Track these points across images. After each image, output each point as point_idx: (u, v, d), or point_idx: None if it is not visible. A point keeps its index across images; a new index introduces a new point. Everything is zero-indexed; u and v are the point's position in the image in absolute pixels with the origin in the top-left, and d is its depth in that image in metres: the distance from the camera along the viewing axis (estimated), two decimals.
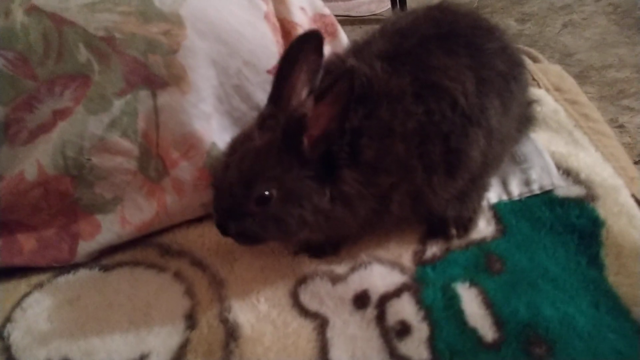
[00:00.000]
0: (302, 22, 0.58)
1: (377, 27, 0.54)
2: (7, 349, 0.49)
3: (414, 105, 0.44)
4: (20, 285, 0.56)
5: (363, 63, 0.45)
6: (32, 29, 0.51)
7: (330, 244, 0.52)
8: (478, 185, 0.50)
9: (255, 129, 0.46)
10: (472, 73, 0.44)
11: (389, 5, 2.05)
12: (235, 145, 0.47)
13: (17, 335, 0.50)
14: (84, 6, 0.51)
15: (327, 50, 0.63)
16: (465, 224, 0.51)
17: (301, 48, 0.44)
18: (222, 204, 0.46)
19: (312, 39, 0.44)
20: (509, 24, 2.07)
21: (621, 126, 1.64)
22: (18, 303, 0.54)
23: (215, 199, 0.46)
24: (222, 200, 0.46)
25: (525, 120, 0.54)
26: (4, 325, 0.51)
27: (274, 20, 0.58)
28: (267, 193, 0.44)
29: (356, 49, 0.49)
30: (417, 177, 0.45)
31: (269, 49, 0.55)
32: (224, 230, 0.46)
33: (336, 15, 0.66)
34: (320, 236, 0.48)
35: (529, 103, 0.54)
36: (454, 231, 0.51)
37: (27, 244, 0.57)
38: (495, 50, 0.47)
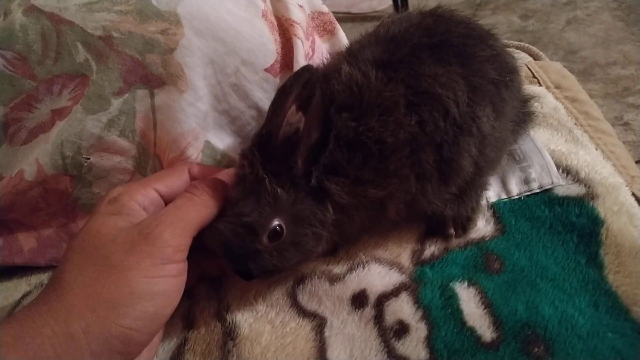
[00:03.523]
0: (300, 20, 0.57)
1: (370, 30, 0.53)
2: None
3: (407, 116, 0.43)
4: (21, 285, 0.56)
5: (356, 70, 0.45)
6: (31, 29, 0.51)
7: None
8: (476, 185, 0.50)
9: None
10: (463, 81, 0.44)
11: (390, 2, 2.04)
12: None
13: None
14: (82, 5, 0.51)
15: (325, 48, 0.63)
16: (464, 224, 0.51)
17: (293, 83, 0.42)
18: (234, 251, 0.44)
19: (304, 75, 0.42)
20: (512, 20, 2.06)
21: (626, 124, 1.63)
22: (19, 302, 0.54)
23: (222, 249, 0.45)
24: (232, 248, 0.44)
25: (523, 118, 0.53)
26: None
27: (272, 18, 0.58)
28: (277, 227, 0.43)
29: (350, 54, 0.49)
30: (411, 186, 0.45)
31: (267, 47, 0.55)
32: (246, 275, 0.45)
33: (337, 12, 0.66)
34: (331, 243, 0.48)
35: (526, 100, 0.54)
36: (452, 231, 0.51)
37: (27, 244, 0.57)
38: (486, 57, 0.46)
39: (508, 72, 0.48)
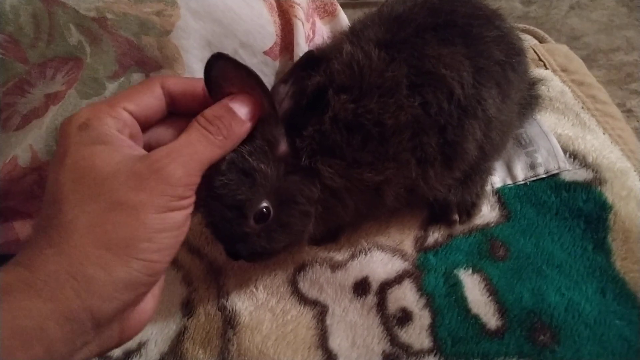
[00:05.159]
0: (300, 1, 0.56)
1: (374, 10, 0.52)
2: None
3: (410, 97, 0.42)
4: None
5: (359, 49, 0.43)
6: (22, 10, 0.49)
7: (329, 231, 0.51)
8: (481, 170, 0.49)
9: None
10: (468, 62, 0.43)
11: None
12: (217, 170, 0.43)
13: None
14: None
15: (326, 30, 0.62)
16: (469, 209, 0.50)
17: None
18: (222, 232, 0.43)
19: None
20: (514, 6, 2.03)
21: (629, 110, 1.62)
22: None
23: (212, 229, 0.44)
24: (220, 228, 0.43)
25: (529, 102, 0.52)
26: None
27: None
28: (264, 209, 0.42)
29: (352, 34, 0.47)
30: (411, 171, 0.43)
31: (266, 29, 0.54)
32: (235, 255, 0.44)
33: None
34: (322, 227, 0.47)
35: (532, 84, 0.52)
36: (456, 216, 0.49)
37: (23, 232, 0.56)
38: (492, 38, 0.45)
39: (515, 54, 0.47)
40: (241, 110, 0.41)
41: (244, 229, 0.42)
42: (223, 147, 0.40)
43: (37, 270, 0.33)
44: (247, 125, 0.41)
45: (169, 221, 0.36)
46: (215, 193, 0.41)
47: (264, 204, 0.42)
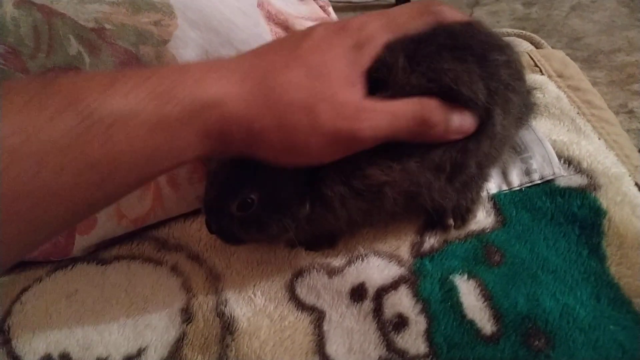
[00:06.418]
0: (297, 12, 0.56)
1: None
2: (8, 342, 0.50)
3: None
4: (20, 280, 0.56)
5: (390, 54, 0.43)
6: (23, 22, 0.50)
7: (326, 238, 0.51)
8: (476, 177, 0.49)
9: None
10: (482, 82, 0.43)
11: None
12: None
13: (17, 329, 0.51)
14: None
15: None
16: (463, 214, 0.50)
17: None
18: (208, 202, 0.46)
19: None
20: (515, 7, 2.03)
21: (630, 112, 1.62)
22: (17, 297, 0.54)
23: (205, 194, 0.46)
24: (209, 199, 0.45)
25: (525, 111, 0.52)
26: (4, 320, 0.52)
27: (269, 7, 0.57)
28: (249, 200, 0.43)
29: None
30: (417, 176, 0.43)
31: (263, 38, 0.54)
32: (208, 227, 0.47)
33: (338, 2, 0.65)
34: (307, 235, 0.48)
35: (528, 91, 0.52)
36: (451, 221, 0.50)
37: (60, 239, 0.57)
38: (501, 62, 0.46)
39: (517, 79, 0.47)
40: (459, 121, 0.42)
41: (227, 208, 0.44)
42: (411, 138, 0.41)
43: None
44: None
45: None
46: (225, 165, 0.43)
47: (252, 196, 0.43)
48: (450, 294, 0.46)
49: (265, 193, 0.43)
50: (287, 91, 0.36)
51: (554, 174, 0.53)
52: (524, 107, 0.51)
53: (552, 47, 0.71)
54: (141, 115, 0.32)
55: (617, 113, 1.59)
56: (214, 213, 0.46)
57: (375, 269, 0.49)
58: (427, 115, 0.40)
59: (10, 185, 0.28)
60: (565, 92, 0.62)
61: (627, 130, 1.53)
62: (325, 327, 0.46)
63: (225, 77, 0.35)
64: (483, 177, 0.50)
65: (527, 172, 0.54)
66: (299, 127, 0.36)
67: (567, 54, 0.69)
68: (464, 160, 0.44)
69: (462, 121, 0.42)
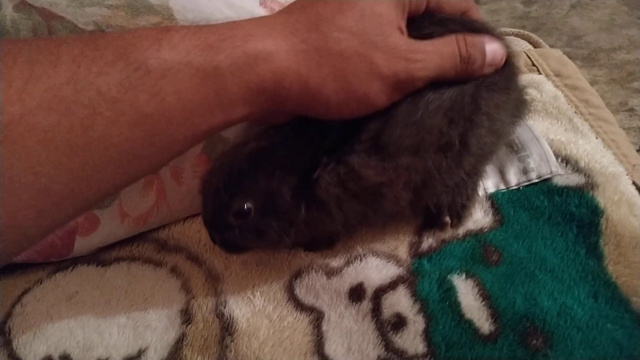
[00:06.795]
0: None
1: None
2: (9, 343, 0.50)
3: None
4: (20, 282, 0.56)
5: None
6: (22, 25, 0.50)
7: (325, 238, 0.51)
8: (471, 172, 0.49)
9: (253, 136, 0.45)
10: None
11: None
12: (230, 150, 0.46)
13: (17, 330, 0.51)
14: (73, 0, 0.50)
15: None
16: (459, 212, 0.50)
17: None
18: (207, 214, 0.45)
19: None
20: (515, 6, 2.03)
21: (631, 109, 1.61)
22: (18, 299, 0.54)
23: (202, 207, 0.46)
24: (207, 210, 0.45)
25: (519, 107, 0.52)
26: (5, 321, 0.52)
27: (272, 5, 0.57)
28: (246, 207, 0.43)
29: None
30: (430, 158, 0.43)
31: None
32: (213, 241, 0.47)
33: None
34: (307, 238, 0.48)
35: (521, 89, 0.53)
36: (447, 219, 0.50)
37: (56, 239, 0.57)
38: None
39: (511, 79, 0.48)
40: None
41: (225, 217, 0.44)
42: (456, 75, 0.41)
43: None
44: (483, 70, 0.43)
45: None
46: (216, 174, 0.43)
47: (248, 204, 0.43)
48: (449, 293, 0.47)
49: (261, 200, 0.43)
50: (339, 40, 0.36)
51: (551, 172, 0.53)
52: (518, 102, 0.52)
53: (552, 46, 0.71)
54: (191, 66, 0.31)
55: (617, 111, 1.58)
56: (215, 227, 0.46)
57: (374, 269, 0.49)
58: (468, 51, 0.41)
59: (65, 137, 0.28)
60: (562, 91, 0.62)
61: (628, 128, 1.53)
62: (324, 328, 0.47)
63: (276, 31, 0.35)
64: (478, 174, 0.50)
65: (525, 171, 0.54)
66: (357, 74, 0.36)
67: (567, 53, 0.69)
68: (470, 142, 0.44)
69: (494, 53, 0.43)
